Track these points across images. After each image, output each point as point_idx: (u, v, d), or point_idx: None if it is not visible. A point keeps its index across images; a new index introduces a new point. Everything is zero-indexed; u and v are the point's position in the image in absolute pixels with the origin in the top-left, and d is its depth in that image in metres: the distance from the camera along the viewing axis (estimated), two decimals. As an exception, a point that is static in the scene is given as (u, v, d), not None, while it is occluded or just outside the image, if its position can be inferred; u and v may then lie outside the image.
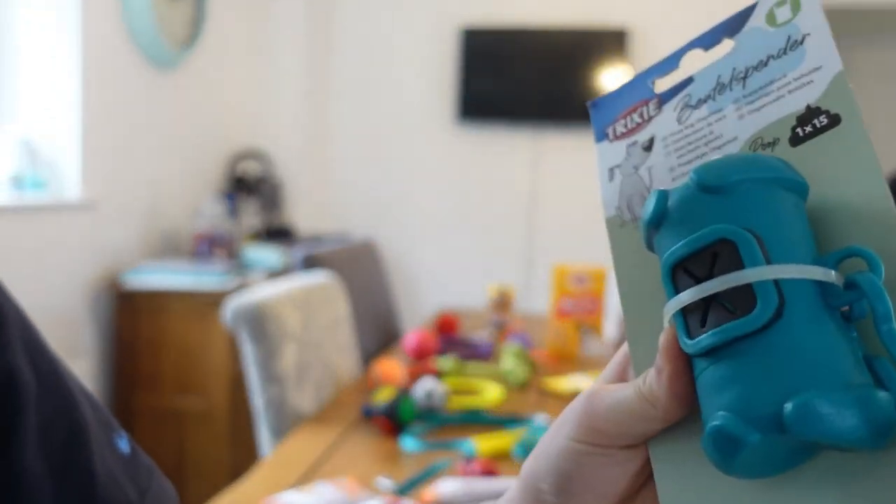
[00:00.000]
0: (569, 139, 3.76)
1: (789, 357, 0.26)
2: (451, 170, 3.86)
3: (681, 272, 0.29)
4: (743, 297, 0.27)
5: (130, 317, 2.48)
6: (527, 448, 1.09)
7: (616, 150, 0.37)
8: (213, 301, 2.41)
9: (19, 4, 2.30)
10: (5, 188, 2.22)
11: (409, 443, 1.21)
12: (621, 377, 0.34)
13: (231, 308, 1.44)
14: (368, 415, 1.32)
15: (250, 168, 3.38)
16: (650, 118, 0.37)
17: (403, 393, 1.30)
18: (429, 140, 3.86)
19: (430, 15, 3.81)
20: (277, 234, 3.25)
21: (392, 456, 1.19)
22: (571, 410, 0.32)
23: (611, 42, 3.63)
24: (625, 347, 0.34)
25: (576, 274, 1.83)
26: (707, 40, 0.37)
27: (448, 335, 2.01)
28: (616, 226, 0.37)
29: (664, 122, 0.36)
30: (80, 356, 2.41)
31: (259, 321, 1.43)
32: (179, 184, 2.97)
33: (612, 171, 0.37)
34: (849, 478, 0.26)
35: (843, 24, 3.71)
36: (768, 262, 0.27)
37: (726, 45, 0.35)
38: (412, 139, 3.88)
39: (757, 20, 0.34)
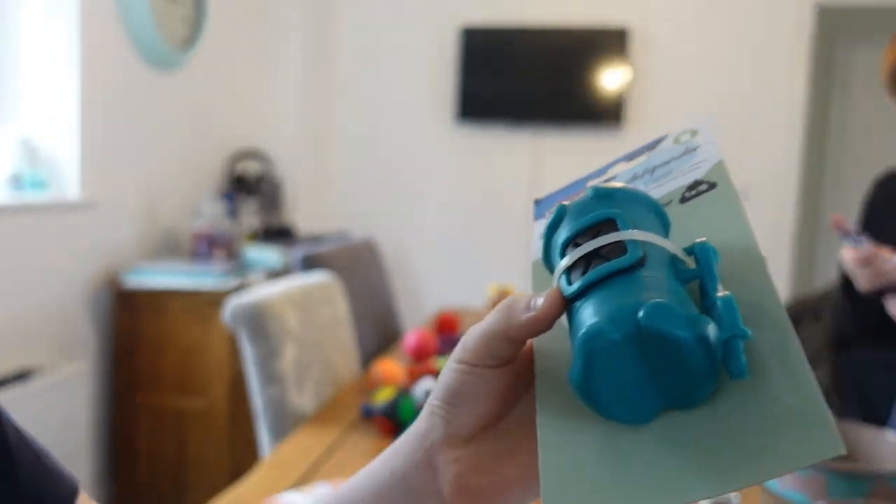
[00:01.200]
0: (568, 139, 3.76)
1: (647, 285, 0.33)
2: (451, 169, 3.85)
3: (571, 247, 0.36)
4: (617, 251, 0.34)
5: (130, 317, 2.47)
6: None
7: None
8: (212, 301, 2.41)
9: (19, 4, 2.29)
10: (5, 188, 2.22)
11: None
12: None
13: (231, 308, 1.44)
14: (368, 415, 1.32)
15: (250, 168, 3.38)
16: None
17: (403, 393, 1.30)
18: (429, 140, 3.86)
19: (429, 14, 3.80)
20: (277, 233, 3.25)
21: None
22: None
23: (611, 41, 3.62)
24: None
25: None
26: (631, 155, 0.45)
27: (448, 335, 2.01)
28: (540, 268, 0.44)
29: None
30: (79, 356, 2.41)
31: (259, 321, 1.43)
32: (179, 183, 2.97)
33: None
34: (689, 434, 0.32)
35: (843, 24, 3.71)
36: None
37: (643, 158, 0.45)
38: (412, 139, 3.88)
39: (667, 142, 0.44)
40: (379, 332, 2.29)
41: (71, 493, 0.47)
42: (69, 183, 2.36)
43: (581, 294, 0.34)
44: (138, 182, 2.70)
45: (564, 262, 0.36)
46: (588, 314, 0.33)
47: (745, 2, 3.61)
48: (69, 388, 2.17)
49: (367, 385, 1.54)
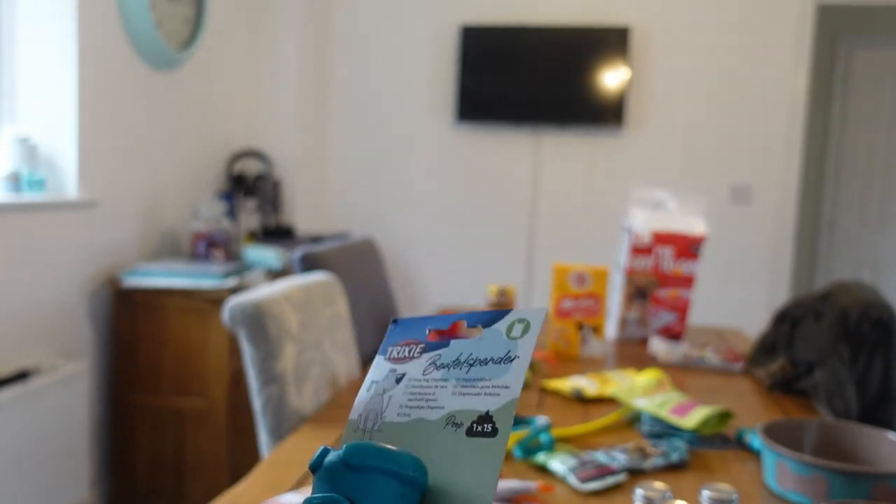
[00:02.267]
0: (569, 139, 3.76)
1: None
2: (451, 169, 3.85)
3: None
4: None
5: (129, 316, 2.47)
6: (526, 448, 1.09)
7: (383, 369, 0.48)
8: (212, 301, 2.40)
9: (18, 4, 2.29)
10: (4, 187, 2.21)
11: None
12: None
13: (230, 308, 1.44)
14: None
15: (249, 168, 3.38)
16: (412, 358, 0.47)
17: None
18: (429, 139, 3.86)
19: (429, 13, 3.80)
20: (276, 233, 3.24)
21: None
22: None
23: (612, 41, 3.62)
24: None
25: (576, 274, 1.83)
26: (472, 321, 0.47)
27: (448, 335, 2.00)
28: (352, 429, 0.46)
29: (416, 368, 0.47)
30: (78, 356, 2.40)
31: (258, 321, 1.42)
32: (178, 183, 2.96)
33: (372, 383, 0.47)
34: None
35: (843, 24, 3.71)
36: None
37: (479, 330, 0.47)
38: (412, 139, 3.87)
39: (502, 325, 0.46)
40: (379, 333, 2.29)
41: None
42: (68, 183, 2.36)
43: None
44: (138, 182, 2.70)
45: None
46: None
47: (746, 2, 3.61)
48: (68, 388, 2.17)
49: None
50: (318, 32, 3.80)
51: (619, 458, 1.05)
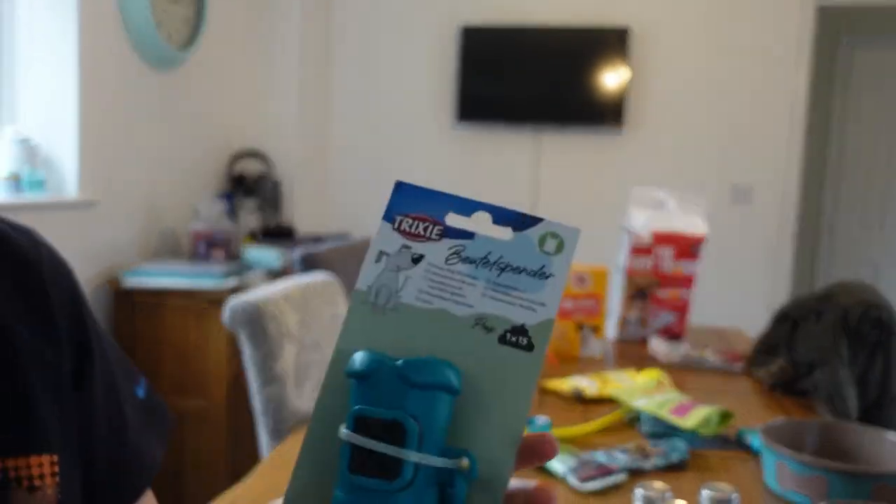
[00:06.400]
0: (569, 139, 3.76)
1: None
2: (451, 169, 3.85)
3: (363, 419, 0.38)
4: (393, 464, 0.37)
5: (129, 317, 2.47)
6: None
7: (393, 241, 0.43)
8: (212, 301, 2.40)
9: (18, 4, 2.29)
10: (4, 187, 2.21)
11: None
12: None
13: (230, 308, 1.43)
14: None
15: (249, 168, 3.38)
16: (429, 239, 0.43)
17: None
18: (429, 140, 3.86)
19: (429, 14, 3.80)
20: (276, 234, 3.24)
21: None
22: None
23: (612, 41, 3.62)
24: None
25: (576, 274, 1.83)
26: (501, 217, 0.43)
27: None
28: (359, 301, 0.43)
29: (436, 252, 0.43)
30: (78, 356, 2.40)
31: (258, 321, 1.42)
32: (178, 183, 2.96)
33: (381, 254, 0.43)
34: None
35: (844, 25, 3.71)
36: (420, 447, 0.37)
37: (508, 232, 0.43)
38: (412, 139, 3.87)
39: (533, 234, 0.42)
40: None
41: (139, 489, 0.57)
42: (68, 183, 2.36)
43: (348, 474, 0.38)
44: (137, 182, 2.70)
45: (345, 437, 0.38)
46: None
47: (746, 2, 3.61)
48: (68, 389, 2.17)
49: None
50: (319, 33, 3.80)
51: (619, 458, 1.05)
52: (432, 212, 0.43)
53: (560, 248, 0.41)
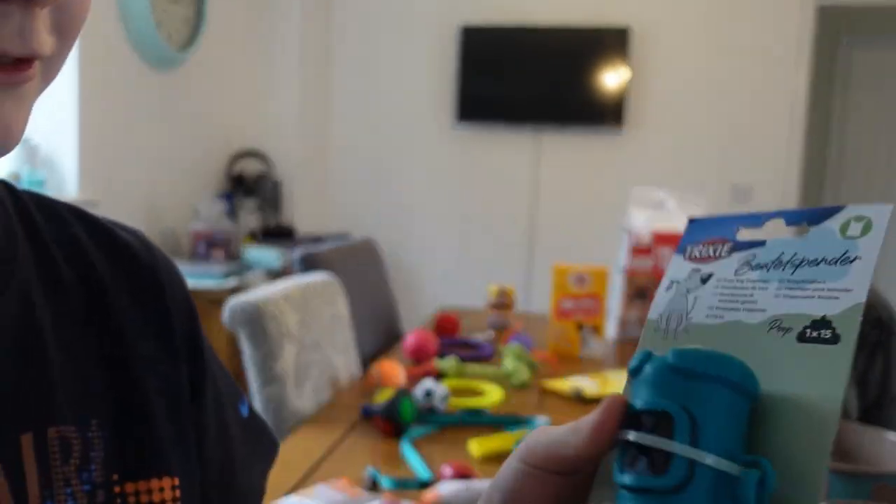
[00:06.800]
0: (569, 139, 3.75)
1: None
2: (451, 169, 3.85)
3: (634, 414, 0.37)
4: (664, 461, 0.35)
5: (129, 317, 2.47)
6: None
7: (683, 269, 0.43)
8: (212, 301, 2.40)
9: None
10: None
11: (407, 450, 1.20)
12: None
13: (230, 308, 1.43)
14: (368, 415, 1.31)
15: (249, 168, 3.38)
16: (719, 257, 0.43)
17: (403, 393, 1.29)
18: (429, 140, 3.86)
19: (429, 14, 3.80)
20: (276, 233, 3.24)
21: (392, 456, 1.18)
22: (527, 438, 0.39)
23: (612, 41, 3.62)
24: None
25: (576, 274, 1.83)
26: (794, 218, 0.42)
27: (448, 336, 2.00)
28: (651, 329, 0.43)
29: (726, 267, 0.42)
30: (78, 356, 2.40)
31: (258, 321, 1.42)
32: (178, 183, 2.96)
33: (672, 283, 0.43)
34: None
35: (843, 24, 3.71)
36: (694, 443, 0.35)
37: (803, 229, 0.41)
38: (412, 139, 3.87)
39: (834, 223, 0.40)
40: (379, 333, 2.28)
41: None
42: (68, 182, 2.36)
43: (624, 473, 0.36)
44: (137, 182, 2.70)
45: (622, 434, 0.37)
46: None
47: (746, 2, 3.61)
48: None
49: (367, 386, 1.53)
50: (319, 33, 3.80)
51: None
52: (723, 233, 0.43)
53: (867, 228, 0.39)
